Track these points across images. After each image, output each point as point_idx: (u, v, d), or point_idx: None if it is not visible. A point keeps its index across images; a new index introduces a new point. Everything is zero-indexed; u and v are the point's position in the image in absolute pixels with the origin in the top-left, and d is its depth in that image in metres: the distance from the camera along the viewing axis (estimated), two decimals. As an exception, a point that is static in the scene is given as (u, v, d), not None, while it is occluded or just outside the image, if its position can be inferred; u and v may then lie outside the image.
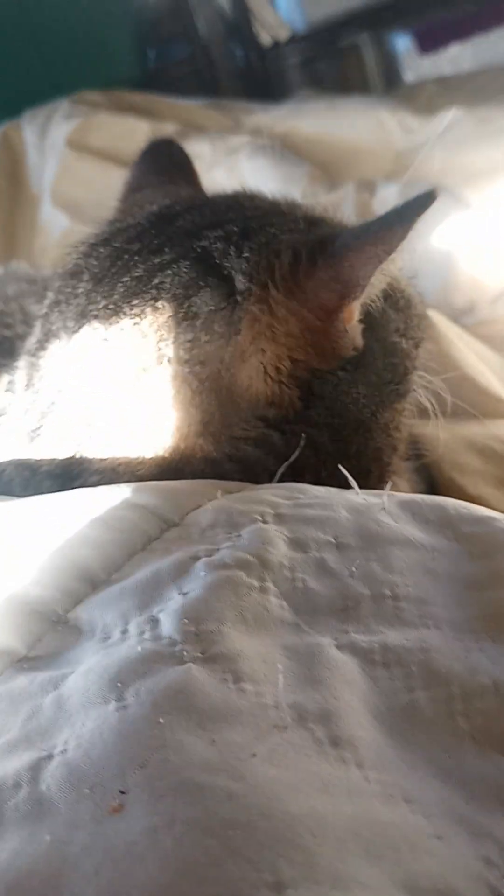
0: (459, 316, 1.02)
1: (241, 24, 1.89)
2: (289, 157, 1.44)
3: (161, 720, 0.27)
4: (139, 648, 0.31)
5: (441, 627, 0.33)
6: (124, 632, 0.33)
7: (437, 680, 0.31)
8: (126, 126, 1.50)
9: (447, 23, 2.03)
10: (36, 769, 0.27)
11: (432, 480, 0.70)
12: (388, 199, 1.26)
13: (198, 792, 0.25)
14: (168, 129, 1.49)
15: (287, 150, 1.46)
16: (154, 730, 0.27)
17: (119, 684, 0.30)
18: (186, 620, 0.32)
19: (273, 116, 1.61)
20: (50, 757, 0.28)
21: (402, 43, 2.07)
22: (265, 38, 1.96)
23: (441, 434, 0.62)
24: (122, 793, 0.25)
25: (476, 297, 1.05)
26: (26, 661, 0.34)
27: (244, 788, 0.25)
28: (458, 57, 2.02)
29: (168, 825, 0.24)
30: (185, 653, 0.31)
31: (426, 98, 1.65)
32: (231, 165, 1.41)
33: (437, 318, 0.79)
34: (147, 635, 0.32)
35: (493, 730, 0.29)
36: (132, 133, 1.49)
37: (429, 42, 2.01)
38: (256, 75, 1.96)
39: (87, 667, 0.32)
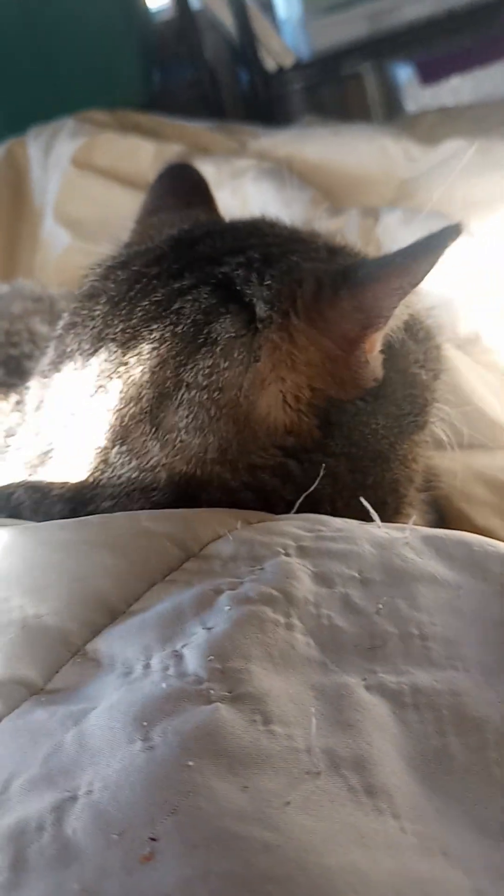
0: (464, 344, 1.02)
1: (246, 50, 1.90)
2: (293, 182, 1.45)
3: (190, 763, 0.27)
4: (164, 685, 0.31)
5: (470, 670, 0.33)
6: (147, 666, 0.33)
7: (469, 725, 0.30)
8: (131, 146, 1.50)
9: (448, 55, 2.06)
10: (60, 811, 0.26)
11: (441, 511, 0.69)
12: (391, 225, 1.27)
13: (232, 842, 0.24)
14: (173, 150, 1.50)
15: (291, 174, 1.47)
16: (183, 774, 0.26)
17: (144, 723, 0.29)
18: (212, 657, 0.31)
19: (277, 141, 1.61)
20: (74, 798, 0.27)
21: (404, 73, 2.09)
22: (270, 64, 1.97)
23: (453, 466, 0.61)
24: (153, 840, 0.25)
25: (479, 325, 1.05)
26: (44, 695, 0.33)
27: (280, 840, 0.24)
28: (458, 89, 2.04)
29: (203, 877, 0.23)
30: (211, 691, 0.30)
31: (427, 127, 1.66)
32: (235, 188, 1.41)
33: (446, 348, 0.79)
34: (171, 671, 0.32)
35: (529, 779, 0.29)
36: (137, 153, 1.49)
37: (430, 73, 2.04)
38: (260, 100, 1.97)
39: (110, 703, 0.31)
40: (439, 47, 2.07)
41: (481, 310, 1.05)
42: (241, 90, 2.14)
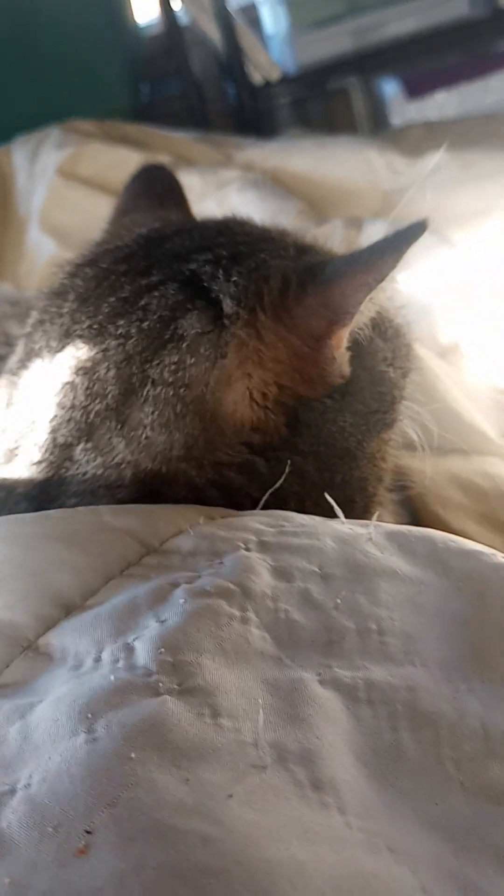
0: (444, 353, 1.02)
1: (233, 64, 1.91)
2: (278, 193, 1.45)
3: (133, 755, 0.26)
4: (112, 678, 0.30)
5: (428, 665, 0.32)
6: (97, 660, 0.32)
7: (423, 721, 0.29)
8: (117, 156, 1.50)
9: (433, 71, 2.08)
10: (-3, 805, 0.25)
11: (415, 513, 0.69)
12: (374, 235, 1.27)
13: (170, 835, 0.23)
14: (160, 160, 1.50)
15: (276, 185, 1.47)
16: (125, 766, 0.25)
17: (89, 715, 0.28)
18: (163, 650, 0.31)
19: (263, 152, 1.62)
20: (12, 791, 0.26)
21: (390, 88, 2.10)
22: (257, 78, 1.98)
23: (426, 467, 0.61)
24: (89, 833, 0.24)
25: (460, 334, 1.05)
26: (-8, 689, 0.32)
27: (220, 832, 0.23)
28: (443, 104, 2.06)
29: (137, 870, 0.22)
30: (160, 684, 0.29)
31: (413, 141, 1.68)
32: (221, 198, 1.42)
33: (423, 353, 0.79)
34: (121, 664, 0.31)
35: (483, 777, 0.28)
36: (123, 163, 1.49)
37: (416, 88, 2.05)
38: (247, 113, 1.98)
39: (57, 696, 0.30)
40: (424, 63, 2.09)
41: (462, 319, 1.06)
42: (228, 104, 2.15)
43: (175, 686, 0.29)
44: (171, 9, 1.99)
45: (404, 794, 0.27)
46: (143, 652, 0.31)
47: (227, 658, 0.31)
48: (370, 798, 0.26)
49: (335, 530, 0.39)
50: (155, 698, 0.28)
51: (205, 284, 0.48)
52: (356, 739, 0.28)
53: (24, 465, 0.50)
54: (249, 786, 0.25)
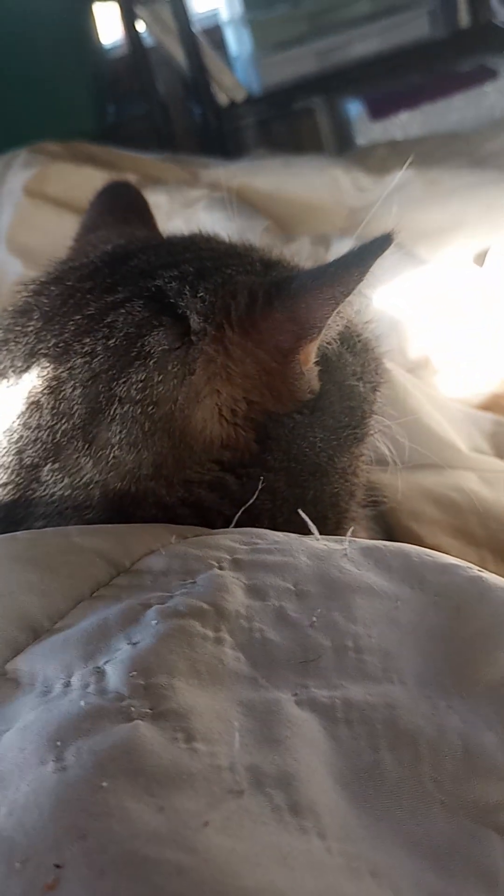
0: (414, 369, 1.03)
1: (199, 85, 1.92)
2: (245, 211, 1.45)
3: (104, 784, 0.25)
4: (82, 703, 0.29)
5: (406, 682, 0.31)
6: (67, 685, 0.31)
7: (403, 739, 0.28)
8: (84, 176, 1.50)
9: (397, 91, 2.11)
10: (-38, 841, 0.24)
11: (389, 529, 0.68)
12: (342, 252, 1.28)
13: (143, 866, 0.22)
14: (127, 179, 1.49)
15: (243, 204, 1.48)
16: (96, 795, 0.24)
17: (58, 743, 0.27)
18: (135, 673, 0.30)
19: (230, 172, 1.63)
20: (-23, 827, 0.25)
21: (355, 108, 2.13)
22: (222, 99, 2.00)
23: (398, 482, 0.61)
24: (58, 867, 0.23)
25: (429, 349, 1.06)
26: (-44, 719, 0.31)
27: (196, 862, 0.22)
28: (407, 124, 2.09)
29: (109, 905, 0.21)
30: (132, 709, 0.28)
31: (378, 159, 1.69)
32: (188, 217, 1.42)
33: (394, 367, 0.79)
34: (91, 689, 0.30)
35: (464, 795, 0.27)
36: (90, 183, 1.48)
37: (379, 109, 2.08)
38: (213, 133, 1.99)
39: (24, 723, 0.29)
40: (387, 83, 2.12)
41: (431, 335, 1.06)
42: (194, 124, 2.16)
43: (147, 710, 0.28)
44: (136, 30, 2.00)
45: (385, 815, 0.26)
46: (114, 676, 0.30)
47: (201, 680, 0.30)
48: (350, 821, 0.26)
49: (310, 547, 0.39)
50: (127, 723, 0.27)
51: (171, 300, 0.48)
52: (335, 761, 0.28)
53: (-10, 487, 0.49)
54: (225, 812, 0.24)
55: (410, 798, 0.27)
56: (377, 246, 0.45)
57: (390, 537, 0.65)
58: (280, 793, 0.26)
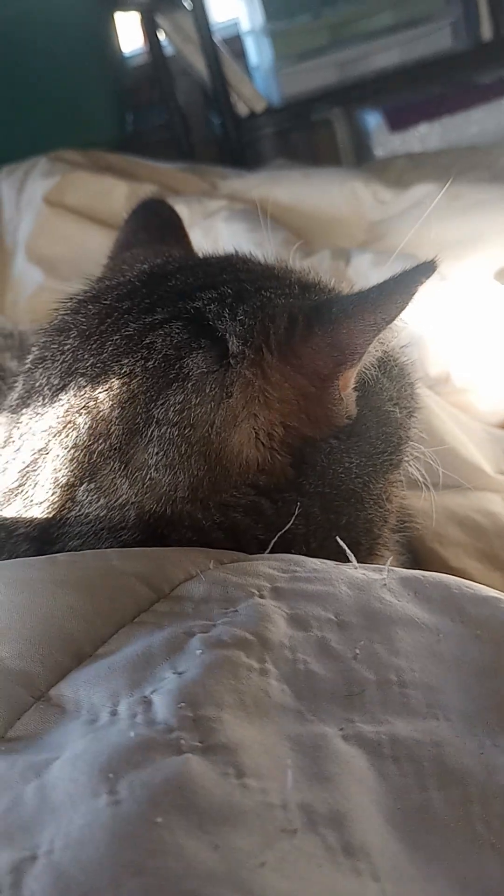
0: (434, 384, 1.03)
1: (218, 95, 1.93)
2: (266, 223, 1.46)
3: (158, 819, 0.25)
4: (132, 734, 0.29)
5: (451, 719, 0.31)
6: (114, 713, 0.31)
7: (451, 779, 0.28)
8: (104, 185, 1.51)
9: (417, 103, 2.11)
10: (18, 872, 0.24)
11: (413, 550, 0.68)
12: (361, 267, 1.28)
13: (203, 907, 0.22)
14: (146, 190, 1.50)
15: (264, 215, 1.48)
16: (151, 831, 0.24)
17: (111, 775, 0.27)
18: (183, 704, 0.30)
19: (249, 183, 1.63)
20: (34, 858, 0.25)
21: (373, 120, 2.13)
22: (242, 109, 2.00)
23: (427, 506, 0.61)
24: (118, 906, 0.23)
25: (449, 365, 1.06)
26: (4, 743, 0.31)
27: (255, 904, 0.22)
28: (426, 136, 2.09)
29: None
30: (182, 741, 0.28)
31: (397, 172, 1.70)
32: (207, 228, 1.42)
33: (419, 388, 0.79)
34: (140, 719, 0.30)
35: (514, 836, 0.27)
36: (110, 192, 1.50)
37: (398, 120, 2.08)
38: (232, 144, 2.00)
39: (74, 753, 0.29)
40: (407, 95, 2.12)
41: (451, 350, 1.06)
42: (213, 134, 2.17)
43: (197, 743, 0.28)
44: (157, 39, 2.01)
45: (436, 856, 0.26)
46: (161, 706, 0.30)
47: (248, 713, 0.30)
48: (402, 862, 0.26)
49: (349, 576, 0.39)
50: (178, 756, 0.28)
51: (210, 323, 0.48)
52: (384, 799, 0.28)
53: (24, 504, 0.49)
54: (280, 852, 0.24)
55: (461, 840, 0.27)
56: (420, 272, 0.45)
57: (414, 559, 0.65)
58: (333, 832, 0.26)
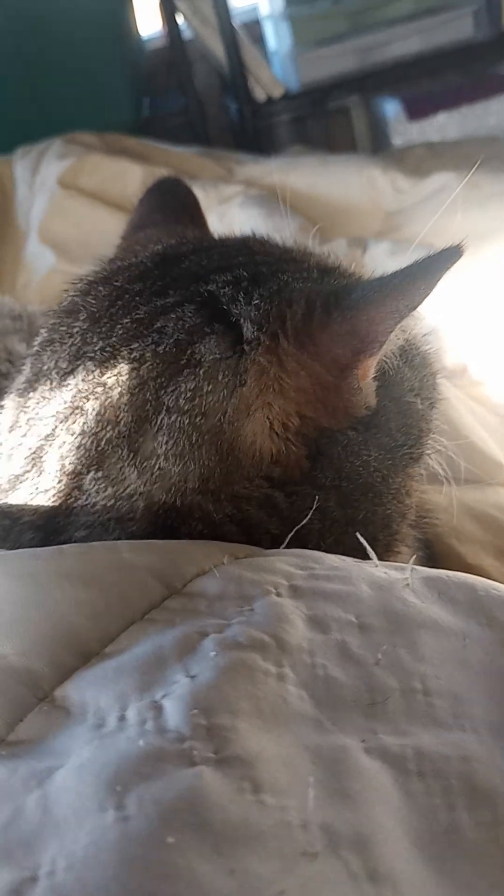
0: (451, 376, 1.01)
1: (236, 80, 1.90)
2: (280, 209, 1.43)
3: (170, 840, 0.23)
4: (141, 742, 0.27)
5: (479, 731, 0.29)
6: (121, 718, 0.29)
7: (480, 798, 0.26)
8: (119, 168, 1.48)
9: (435, 92, 2.08)
10: (18, 895, 0.23)
11: (429, 545, 0.66)
12: (378, 256, 1.26)
13: (217, 939, 0.20)
14: (161, 173, 1.47)
15: (281, 201, 1.46)
16: (162, 853, 0.23)
17: (118, 788, 0.25)
18: (196, 711, 0.28)
19: (265, 169, 1.60)
20: (34, 879, 0.23)
21: (391, 108, 2.10)
22: (259, 95, 1.97)
23: (446, 501, 0.59)
24: (124, 934, 0.21)
25: (466, 357, 1.04)
26: (5, 747, 0.29)
27: (273, 937, 0.21)
28: (444, 125, 2.05)
29: None
30: (194, 752, 0.26)
31: (414, 161, 1.67)
32: (223, 213, 1.40)
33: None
34: (149, 725, 0.28)
35: (548, 861, 0.25)
36: (124, 175, 1.48)
37: (417, 109, 2.05)
38: (248, 129, 1.97)
39: (80, 761, 0.27)
40: (426, 84, 2.09)
41: (468, 341, 1.04)
42: (230, 119, 2.14)
43: (211, 755, 0.26)
44: (175, 23, 1.98)
45: (463, 883, 0.25)
46: (173, 712, 0.28)
47: (265, 721, 0.28)
48: (429, 889, 0.24)
49: (370, 575, 0.37)
50: (190, 769, 0.26)
51: (224, 307, 0.46)
52: (409, 819, 0.26)
53: (29, 492, 0.47)
54: (301, 878, 0.23)
55: (489, 864, 0.25)
56: (445, 258, 0.43)
57: (432, 557, 0.63)
58: (356, 857, 0.24)
